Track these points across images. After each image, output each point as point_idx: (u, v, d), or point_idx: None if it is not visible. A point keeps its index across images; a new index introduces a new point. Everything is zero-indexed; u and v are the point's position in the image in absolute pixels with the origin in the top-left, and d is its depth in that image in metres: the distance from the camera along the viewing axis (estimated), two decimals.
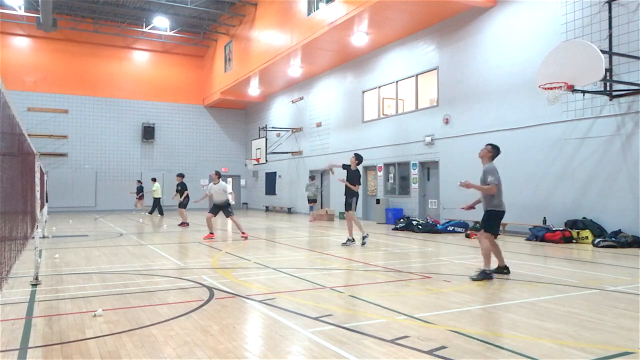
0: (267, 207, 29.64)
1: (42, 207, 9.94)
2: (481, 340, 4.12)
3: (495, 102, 14.50)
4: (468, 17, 15.50)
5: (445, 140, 16.32)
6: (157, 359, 3.75)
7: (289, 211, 26.71)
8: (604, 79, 10.82)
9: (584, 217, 11.90)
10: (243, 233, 12.88)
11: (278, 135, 27.39)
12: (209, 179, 13.07)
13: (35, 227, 7.40)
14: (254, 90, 27.49)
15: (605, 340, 4.18)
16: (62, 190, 27.19)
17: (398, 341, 4.10)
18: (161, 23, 27.19)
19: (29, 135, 8.40)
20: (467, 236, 13.19)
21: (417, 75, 17.71)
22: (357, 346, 3.99)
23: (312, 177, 21.48)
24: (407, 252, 10.47)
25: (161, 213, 23.20)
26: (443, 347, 3.93)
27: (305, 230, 15.84)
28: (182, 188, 17.69)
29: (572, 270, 7.83)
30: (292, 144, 26.55)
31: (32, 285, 6.55)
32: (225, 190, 12.84)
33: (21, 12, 24.44)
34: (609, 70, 11.20)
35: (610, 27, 11.45)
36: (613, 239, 10.82)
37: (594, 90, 11.26)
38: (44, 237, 12.97)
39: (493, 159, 7.32)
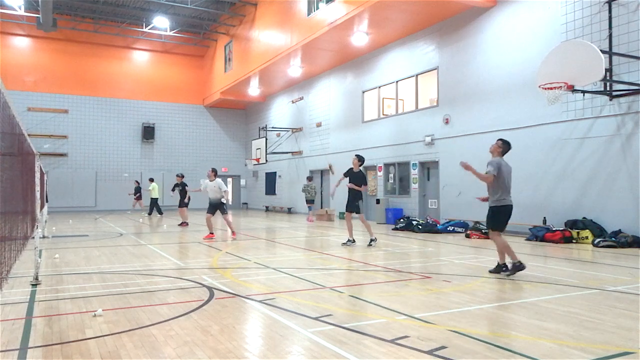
0: (267, 207, 29.64)
1: (42, 207, 9.94)
2: (481, 340, 4.12)
3: (495, 102, 14.50)
4: (468, 17, 15.50)
5: (445, 140, 16.32)
6: (157, 359, 3.75)
7: (289, 211, 26.71)
8: (604, 79, 10.83)
9: (584, 217, 11.90)
10: (233, 233, 12.96)
11: (278, 135, 27.40)
12: (207, 176, 13.10)
13: (35, 227, 7.40)
14: (254, 90, 27.50)
15: (605, 340, 4.18)
16: (62, 190, 27.20)
17: (398, 341, 4.10)
18: (161, 23, 27.20)
19: (29, 135, 8.40)
20: (467, 236, 13.19)
21: (417, 75, 17.71)
22: (357, 346, 3.99)
23: (309, 178, 21.48)
24: (407, 252, 10.47)
25: (160, 212, 23.21)
26: (443, 347, 3.93)
27: (305, 230, 15.84)
28: (182, 188, 17.72)
29: (572, 270, 7.82)
30: (292, 144, 26.55)
31: (32, 285, 6.55)
32: (220, 187, 12.82)
33: (21, 12, 24.45)
34: (609, 70, 11.20)
35: (610, 27, 11.45)
36: (613, 239, 10.82)
37: (594, 90, 11.26)
38: (44, 237, 12.97)
39: (503, 154, 7.41)
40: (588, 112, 12.04)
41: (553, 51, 11.05)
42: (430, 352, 3.82)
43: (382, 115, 19.77)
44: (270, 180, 29.44)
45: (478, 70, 15.13)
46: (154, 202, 23.01)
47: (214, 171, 13.10)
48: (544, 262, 8.89)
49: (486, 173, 7.21)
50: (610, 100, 11.53)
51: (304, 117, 25.51)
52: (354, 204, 11.19)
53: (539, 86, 10.94)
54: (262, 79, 25.69)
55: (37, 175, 7.15)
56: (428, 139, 16.91)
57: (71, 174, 28.06)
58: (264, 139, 26.38)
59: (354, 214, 11.32)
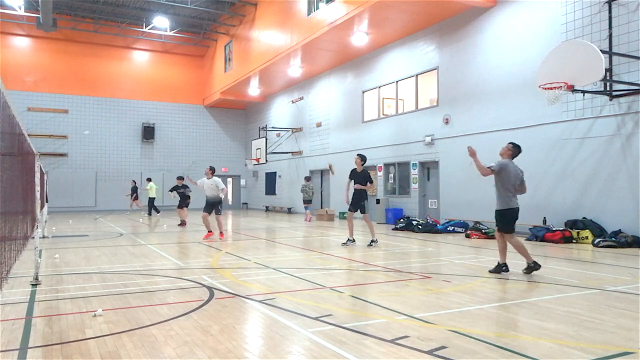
0: (267, 207, 29.65)
1: (42, 207, 9.93)
2: (481, 340, 4.12)
3: (495, 102, 14.50)
4: (468, 17, 15.50)
5: (445, 140, 16.32)
6: (157, 359, 3.75)
7: (289, 211, 26.72)
8: (604, 79, 10.82)
9: (584, 217, 11.90)
10: (220, 234, 12.87)
11: (278, 135, 27.40)
12: (205, 174, 13.09)
13: (35, 227, 7.40)
14: (254, 90, 27.50)
15: (605, 340, 4.18)
16: (62, 190, 27.20)
17: (398, 341, 4.10)
18: (161, 23, 27.20)
19: (29, 135, 8.40)
20: (467, 236, 13.19)
21: (417, 75, 17.71)
22: (357, 346, 3.99)
23: (307, 178, 21.49)
24: (407, 252, 10.47)
25: (157, 211, 23.21)
26: (443, 347, 3.93)
27: (305, 230, 15.84)
28: (183, 191, 17.70)
29: (572, 270, 7.83)
30: (292, 144, 26.55)
31: (32, 285, 6.55)
32: (217, 185, 12.80)
33: (21, 12, 24.44)
34: (609, 70, 11.20)
35: (610, 27, 11.45)
36: (613, 239, 10.82)
37: (594, 90, 11.26)
38: (44, 237, 12.97)
39: (513, 157, 7.56)
40: (588, 112, 12.04)
41: (553, 51, 11.05)
42: (430, 352, 3.82)
43: (382, 115, 19.77)
44: (270, 180, 29.44)
45: (478, 70, 15.13)
46: (151, 202, 23.02)
47: (212, 169, 13.11)
48: (544, 262, 8.87)
49: (488, 167, 7.31)
50: (610, 100, 11.53)
51: (304, 117, 25.51)
52: (359, 203, 11.17)
53: (539, 86, 10.94)
54: (262, 79, 25.69)
55: (37, 175, 7.15)
56: (428, 139, 16.91)
57: (71, 174, 28.06)
58: (264, 139, 26.38)
59: (357, 214, 11.31)
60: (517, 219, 7.48)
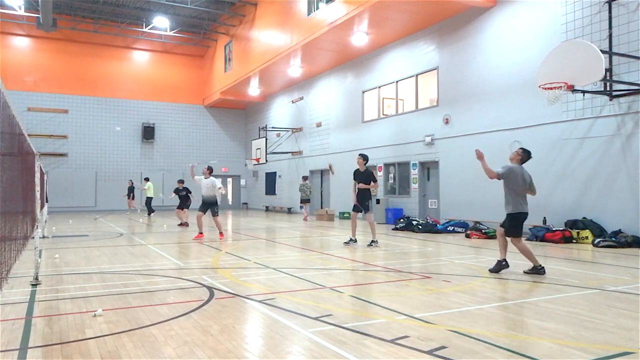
0: (267, 207, 29.65)
1: (42, 207, 9.93)
2: (481, 340, 4.12)
3: (495, 102, 14.50)
4: (468, 17, 15.50)
5: (445, 140, 16.32)
6: (157, 359, 3.75)
7: (289, 211, 26.71)
8: (604, 79, 10.82)
9: (584, 217, 11.90)
10: (220, 234, 12.90)
11: (278, 135, 27.40)
12: (203, 174, 13.11)
13: (35, 227, 7.40)
14: (254, 90, 27.50)
15: (605, 340, 4.18)
16: (62, 190, 27.20)
17: (398, 341, 4.10)
18: (161, 23, 27.20)
19: (29, 135, 8.40)
20: (467, 236, 13.19)
21: (417, 75, 17.71)
22: (357, 346, 3.99)
23: (305, 178, 21.51)
24: (407, 252, 10.47)
25: (151, 211, 23.17)
26: (443, 347, 3.93)
27: (305, 230, 15.84)
28: (185, 194, 17.67)
29: (572, 270, 7.83)
30: (292, 144, 26.55)
31: (32, 285, 6.55)
32: (214, 185, 12.81)
33: (21, 12, 24.44)
34: (609, 70, 11.20)
35: (610, 27, 11.45)
36: (613, 239, 10.82)
37: (594, 90, 11.26)
38: (44, 237, 12.97)
39: (522, 162, 7.65)
40: (588, 112, 12.04)
41: (553, 51, 11.05)
42: (430, 352, 3.82)
43: (382, 115, 19.77)
44: (270, 180, 29.45)
45: (478, 70, 15.13)
46: (149, 202, 23.01)
47: (210, 169, 13.13)
48: (544, 262, 8.85)
49: (495, 171, 7.38)
50: (610, 100, 11.53)
51: (304, 117, 25.51)
52: (364, 203, 11.17)
53: (539, 86, 10.94)
54: (262, 79, 25.69)
55: (37, 175, 7.15)
56: (428, 139, 16.91)
57: (71, 174, 28.06)
58: (264, 139, 26.38)
59: (361, 214, 11.31)
60: (523, 222, 7.53)
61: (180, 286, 6.56)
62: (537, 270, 7.26)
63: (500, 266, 7.44)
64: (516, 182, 7.40)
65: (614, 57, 11.29)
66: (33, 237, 7.33)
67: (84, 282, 6.91)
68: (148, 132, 29.89)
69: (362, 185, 11.15)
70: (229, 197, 32.50)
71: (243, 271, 7.82)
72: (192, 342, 4.12)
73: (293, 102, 26.42)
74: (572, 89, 10.65)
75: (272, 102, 29.37)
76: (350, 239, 11.32)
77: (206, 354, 3.83)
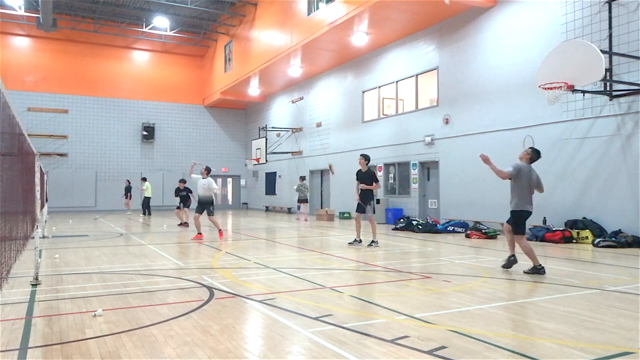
0: (267, 207, 29.65)
1: (42, 207, 9.94)
2: (481, 340, 4.12)
3: (495, 102, 14.50)
4: (468, 17, 15.50)
5: (445, 140, 16.32)
6: (157, 359, 3.75)
7: (289, 211, 26.71)
8: (604, 79, 10.82)
9: (584, 217, 11.90)
10: (220, 233, 12.97)
11: (278, 135, 27.40)
12: (201, 174, 13.15)
13: (35, 227, 7.40)
14: (254, 90, 27.50)
15: (605, 340, 4.18)
16: (62, 190, 27.20)
17: (398, 341, 4.10)
18: (161, 23, 27.20)
19: (29, 135, 8.40)
20: (467, 236, 13.19)
21: (417, 75, 17.71)
22: (357, 346, 3.99)
23: (302, 178, 21.51)
24: (407, 252, 10.47)
25: (145, 213, 23.13)
26: (443, 347, 3.93)
27: (305, 230, 15.84)
28: (186, 194, 17.64)
29: (572, 270, 7.83)
30: (292, 144, 26.55)
31: (32, 285, 6.55)
32: (210, 186, 12.85)
33: (21, 12, 24.44)
34: (609, 70, 11.20)
35: (610, 27, 11.45)
36: (613, 239, 10.82)
37: (594, 90, 11.26)
38: (44, 237, 12.97)
39: (531, 162, 7.68)
40: (588, 112, 12.03)
41: (553, 51, 11.04)
42: (430, 352, 3.82)
43: (382, 115, 19.77)
44: (270, 180, 29.45)
45: (478, 70, 15.13)
46: (146, 201, 22.98)
47: (207, 170, 13.15)
48: (544, 262, 8.85)
49: (506, 171, 7.44)
50: (610, 100, 11.52)
51: (304, 117, 25.51)
52: (367, 204, 11.17)
53: (539, 86, 10.94)
54: (262, 79, 25.69)
55: (37, 175, 7.15)
56: (428, 139, 16.91)
57: (71, 174, 28.06)
58: (264, 139, 26.38)
59: (364, 214, 11.31)
60: (525, 220, 7.61)
61: (180, 286, 6.56)
62: (537, 270, 7.27)
63: (510, 262, 7.51)
64: (521, 179, 7.42)
65: (614, 57, 11.29)
66: (33, 237, 7.33)
67: (84, 282, 6.91)
68: (148, 132, 29.89)
69: (363, 186, 11.15)
70: (229, 197, 32.51)
71: (243, 271, 7.82)
72: (192, 342, 4.12)
73: (293, 102, 26.42)
74: (572, 89, 10.65)
75: (272, 102, 29.37)
76: (355, 239, 11.33)
77: (206, 354, 3.83)
